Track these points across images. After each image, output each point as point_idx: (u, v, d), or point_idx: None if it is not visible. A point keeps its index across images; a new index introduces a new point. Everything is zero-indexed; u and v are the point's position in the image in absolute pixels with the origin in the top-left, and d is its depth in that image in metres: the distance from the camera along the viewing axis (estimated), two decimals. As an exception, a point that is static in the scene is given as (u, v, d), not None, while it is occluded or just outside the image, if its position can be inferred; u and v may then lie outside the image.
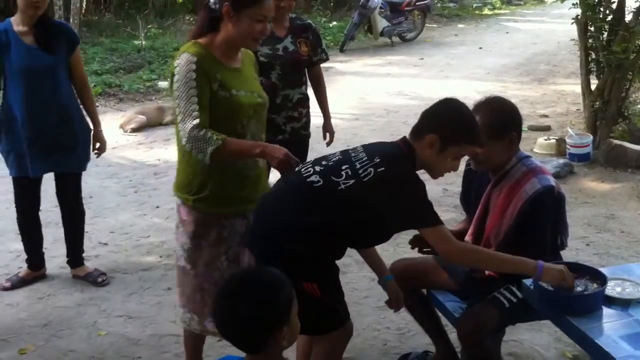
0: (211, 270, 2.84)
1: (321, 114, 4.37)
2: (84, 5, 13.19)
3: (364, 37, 13.44)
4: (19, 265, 4.36)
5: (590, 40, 6.70)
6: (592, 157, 6.31)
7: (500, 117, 2.80)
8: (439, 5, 17.64)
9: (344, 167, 2.51)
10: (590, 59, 6.82)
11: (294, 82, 3.99)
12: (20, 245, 4.27)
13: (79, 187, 4.17)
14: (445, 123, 2.56)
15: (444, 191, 5.53)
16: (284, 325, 1.85)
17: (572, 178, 5.95)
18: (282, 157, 2.61)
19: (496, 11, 18.71)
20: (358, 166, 2.50)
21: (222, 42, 2.72)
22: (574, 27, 6.83)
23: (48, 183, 4.19)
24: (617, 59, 6.27)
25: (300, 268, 2.46)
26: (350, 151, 2.63)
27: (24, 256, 4.27)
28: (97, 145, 4.12)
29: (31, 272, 4.22)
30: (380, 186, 2.46)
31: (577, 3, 6.64)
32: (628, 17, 6.47)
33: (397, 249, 4.17)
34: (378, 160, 2.49)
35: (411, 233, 2.76)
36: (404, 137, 2.64)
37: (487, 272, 2.87)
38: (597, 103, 6.66)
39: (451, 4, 18.29)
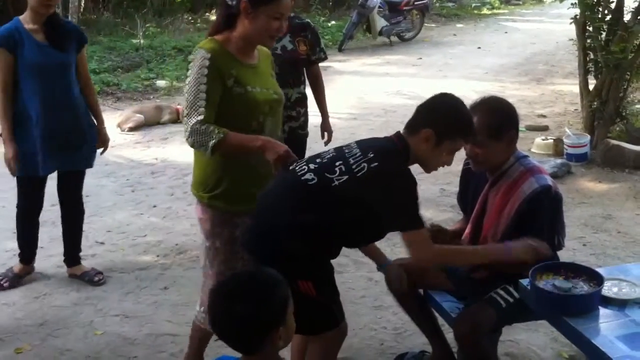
0: (228, 270, 2.84)
1: (319, 113, 4.36)
2: (82, 4, 13.16)
3: (363, 36, 13.43)
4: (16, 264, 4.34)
5: (588, 40, 6.70)
6: (590, 157, 6.31)
7: (499, 117, 2.81)
8: (437, 4, 17.62)
9: (337, 164, 2.51)
10: (588, 59, 6.83)
11: (292, 81, 3.98)
12: (15, 244, 4.26)
13: (82, 185, 4.19)
14: (441, 118, 2.56)
15: (441, 191, 5.52)
16: (280, 326, 1.85)
17: (569, 178, 5.94)
18: (283, 152, 2.62)
19: (495, 11, 18.70)
20: (352, 161, 2.49)
21: (239, 38, 2.74)
22: (573, 27, 6.83)
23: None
24: (616, 59, 6.27)
25: (296, 267, 2.46)
26: (344, 147, 2.62)
27: (19, 254, 4.26)
28: (101, 142, 4.13)
29: (24, 266, 4.21)
30: (374, 181, 2.45)
31: (575, 3, 6.65)
32: (626, 17, 6.47)
33: (394, 249, 4.15)
34: (372, 155, 2.49)
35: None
36: (398, 132, 2.64)
37: (484, 273, 2.87)
38: (595, 103, 6.67)
39: (450, 4, 18.27)
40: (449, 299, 3.07)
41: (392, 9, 12.89)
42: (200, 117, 2.63)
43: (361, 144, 2.62)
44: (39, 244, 4.28)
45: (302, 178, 2.52)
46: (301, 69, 4.10)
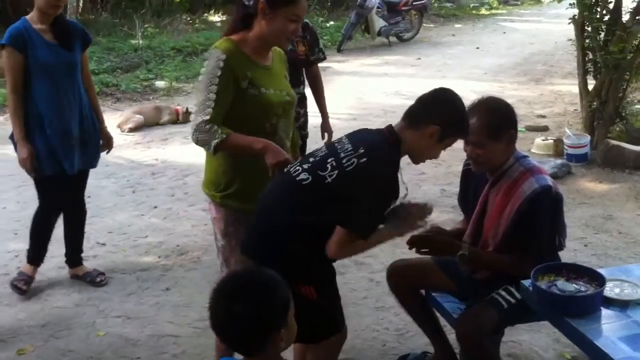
0: None
1: (319, 114, 4.37)
2: (80, 4, 13.15)
3: (361, 36, 13.43)
4: (17, 266, 4.33)
5: (587, 41, 6.71)
6: (590, 158, 6.31)
7: (497, 117, 2.82)
8: (436, 5, 17.63)
9: (329, 160, 2.51)
10: (587, 59, 6.83)
11: (291, 82, 3.96)
12: (17, 245, 4.26)
13: (85, 185, 4.19)
14: (447, 116, 2.55)
15: (441, 192, 5.52)
16: (281, 327, 1.84)
17: (569, 178, 5.95)
18: (283, 159, 2.63)
19: (493, 11, 18.71)
20: (342, 156, 2.49)
21: (255, 39, 2.75)
22: (571, 27, 6.84)
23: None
24: (615, 59, 6.28)
25: (297, 269, 2.46)
26: (335, 143, 2.61)
27: (22, 256, 4.25)
28: (106, 142, 4.13)
29: (34, 267, 4.17)
30: (359, 177, 2.43)
31: (574, 3, 6.66)
32: (625, 17, 6.48)
33: (396, 249, 4.16)
34: (362, 151, 2.47)
35: (410, 234, 2.75)
36: (390, 126, 2.62)
37: (486, 274, 2.88)
38: (595, 103, 6.67)
39: (448, 4, 18.28)
40: (451, 300, 3.07)
41: (391, 9, 12.89)
42: (207, 117, 2.65)
43: (352, 138, 2.60)
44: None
45: (297, 179, 2.52)
46: (300, 69, 4.10)
